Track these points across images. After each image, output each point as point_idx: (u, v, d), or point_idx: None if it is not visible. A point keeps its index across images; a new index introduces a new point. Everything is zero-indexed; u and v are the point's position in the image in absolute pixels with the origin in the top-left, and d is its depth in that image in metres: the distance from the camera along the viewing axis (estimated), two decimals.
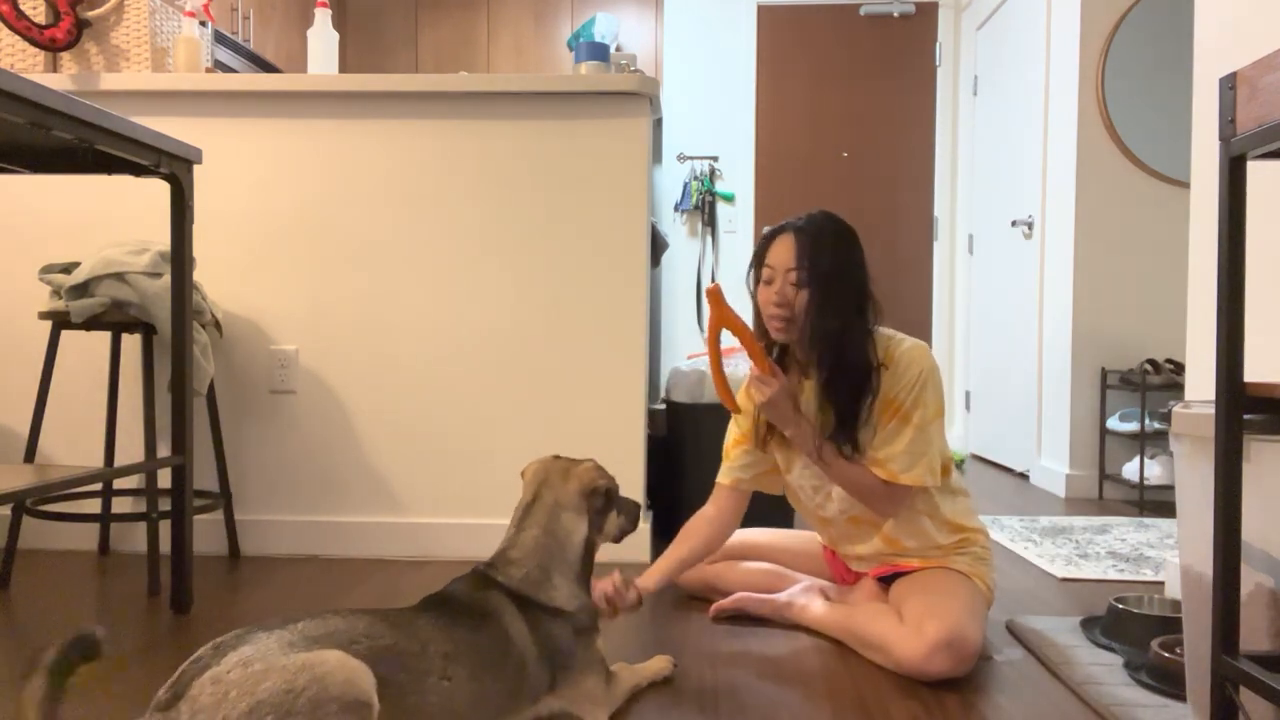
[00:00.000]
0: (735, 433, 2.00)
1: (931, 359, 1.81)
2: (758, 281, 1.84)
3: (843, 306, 1.77)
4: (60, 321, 2.24)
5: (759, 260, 1.84)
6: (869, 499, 1.82)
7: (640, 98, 2.55)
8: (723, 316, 1.79)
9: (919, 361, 1.79)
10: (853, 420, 1.79)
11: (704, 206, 5.14)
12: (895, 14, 5.14)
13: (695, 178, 5.15)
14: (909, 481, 1.77)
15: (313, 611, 1.21)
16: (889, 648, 1.70)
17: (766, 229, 1.88)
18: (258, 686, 1.04)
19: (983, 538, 1.91)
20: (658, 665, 1.66)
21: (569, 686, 1.42)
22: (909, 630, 1.68)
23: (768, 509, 2.71)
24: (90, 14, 2.62)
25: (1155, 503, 3.45)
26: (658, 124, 5.00)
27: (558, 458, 1.55)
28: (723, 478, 1.99)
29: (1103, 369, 3.71)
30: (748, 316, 1.87)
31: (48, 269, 2.27)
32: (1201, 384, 2.03)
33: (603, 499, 1.51)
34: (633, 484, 2.55)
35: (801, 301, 1.76)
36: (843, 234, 1.82)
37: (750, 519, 2.61)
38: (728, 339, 1.89)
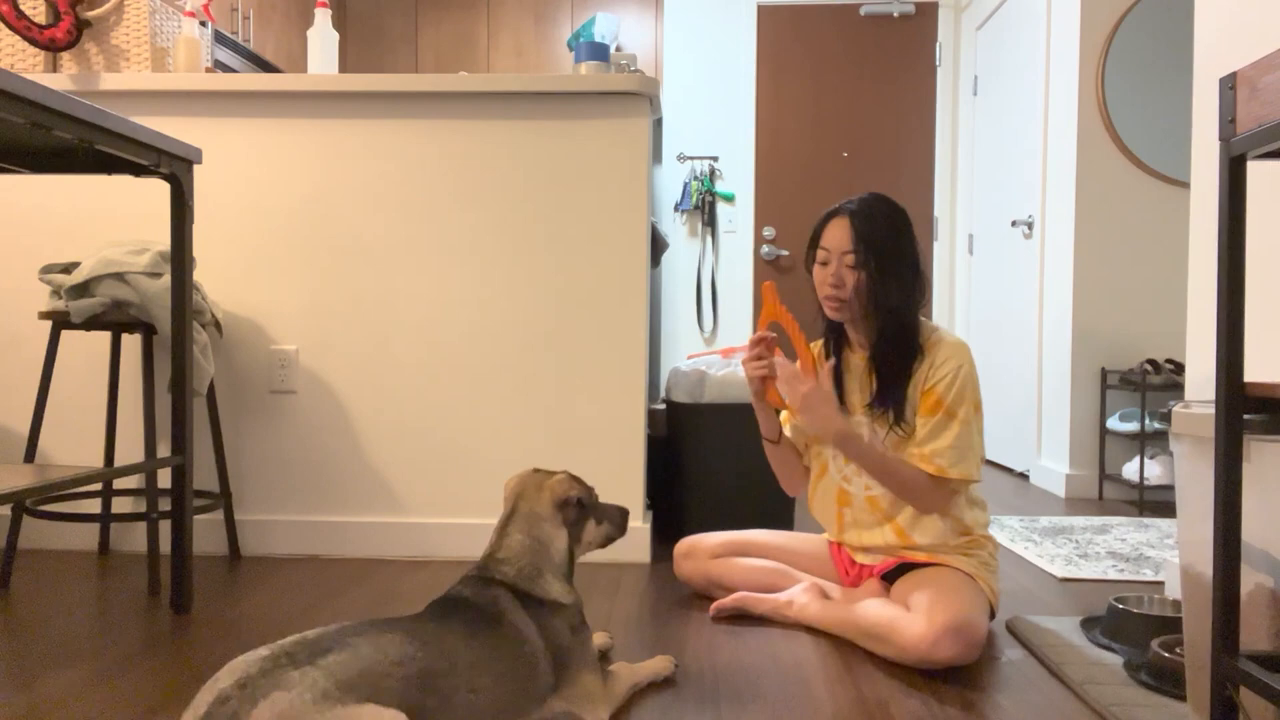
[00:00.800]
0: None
1: (970, 357, 1.87)
2: (812, 263, 1.92)
3: (899, 284, 1.85)
4: (60, 321, 2.24)
5: (814, 242, 1.92)
6: (912, 493, 1.86)
7: (640, 98, 2.55)
8: (775, 311, 1.93)
9: (958, 356, 1.85)
10: (896, 388, 1.87)
11: (704, 206, 5.14)
12: (895, 14, 5.14)
13: (695, 178, 5.15)
14: (958, 475, 1.81)
15: (341, 631, 1.18)
16: (894, 634, 1.70)
17: (823, 212, 1.96)
18: None
19: (992, 546, 1.93)
20: (658, 665, 1.66)
21: (568, 685, 1.42)
22: (916, 616, 1.69)
23: (769, 509, 2.71)
24: (90, 14, 2.62)
25: (1155, 503, 3.45)
26: (658, 124, 5.00)
27: (536, 471, 1.57)
28: (787, 432, 2.10)
29: (1103, 369, 3.71)
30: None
31: (48, 269, 2.27)
32: (1201, 384, 2.03)
33: (576, 509, 1.54)
34: (633, 484, 2.55)
35: (858, 282, 1.85)
36: (895, 215, 1.89)
37: (751, 519, 2.62)
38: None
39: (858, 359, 1.97)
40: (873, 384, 1.91)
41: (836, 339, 2.00)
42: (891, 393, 1.87)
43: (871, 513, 1.94)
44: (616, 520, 1.63)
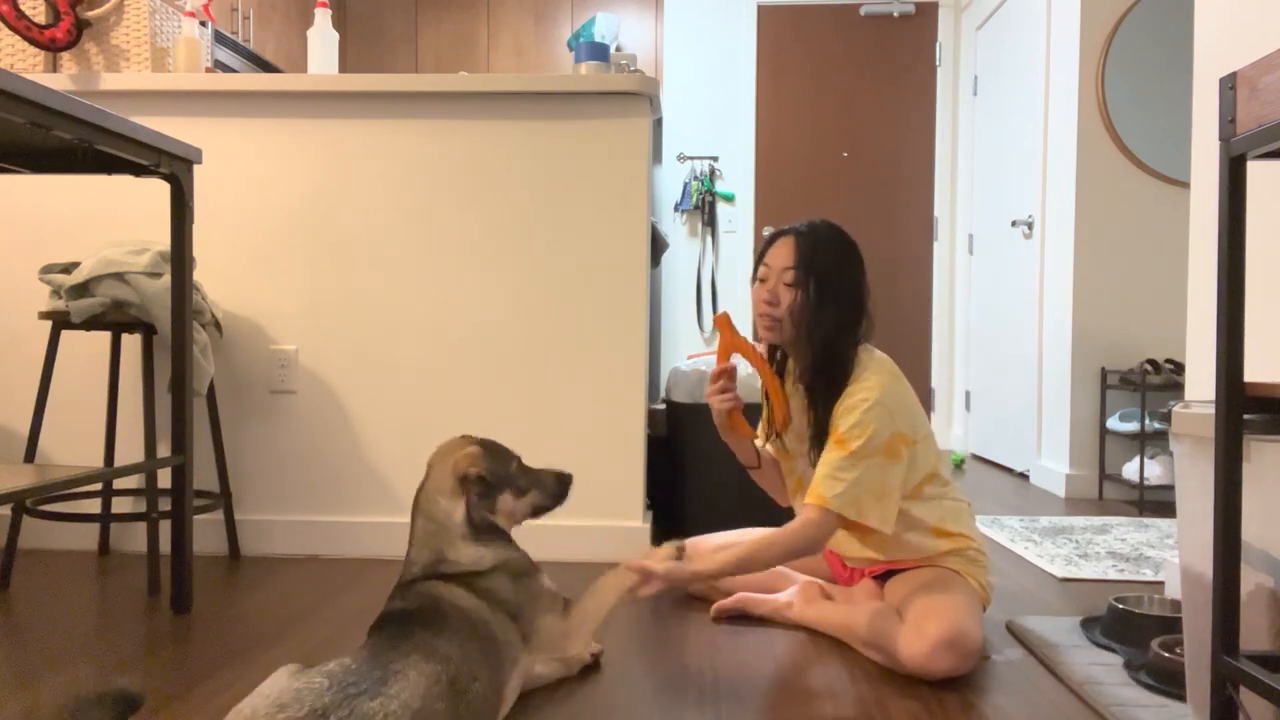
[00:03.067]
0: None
1: (893, 391, 1.76)
2: (754, 281, 1.88)
3: (833, 311, 1.78)
4: (60, 321, 2.24)
5: (758, 260, 1.89)
6: (787, 552, 1.75)
7: (640, 98, 2.55)
8: (733, 342, 1.85)
9: (868, 389, 1.74)
10: (828, 420, 1.79)
11: (704, 206, 5.14)
12: (895, 14, 5.14)
13: (695, 178, 5.15)
14: (832, 509, 1.70)
15: (375, 659, 1.20)
16: (891, 647, 1.70)
17: (768, 230, 1.91)
18: None
19: (976, 542, 1.90)
20: (614, 579, 1.62)
21: (533, 634, 1.43)
22: (910, 630, 1.68)
23: (769, 509, 2.71)
24: (90, 14, 2.62)
25: (1155, 503, 3.45)
26: (658, 124, 5.00)
27: (462, 438, 1.56)
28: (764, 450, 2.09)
29: (1103, 369, 3.71)
30: (744, 318, 1.90)
31: (48, 269, 2.27)
32: (1201, 384, 2.03)
33: (479, 484, 1.52)
34: (633, 484, 2.55)
35: (793, 302, 1.80)
36: (842, 243, 1.84)
37: (751, 519, 2.61)
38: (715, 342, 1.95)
39: (800, 390, 1.89)
40: (811, 418, 1.83)
41: (779, 367, 1.95)
42: (825, 436, 1.79)
43: (846, 535, 1.93)
44: (551, 488, 1.60)
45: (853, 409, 1.74)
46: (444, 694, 1.20)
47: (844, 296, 1.80)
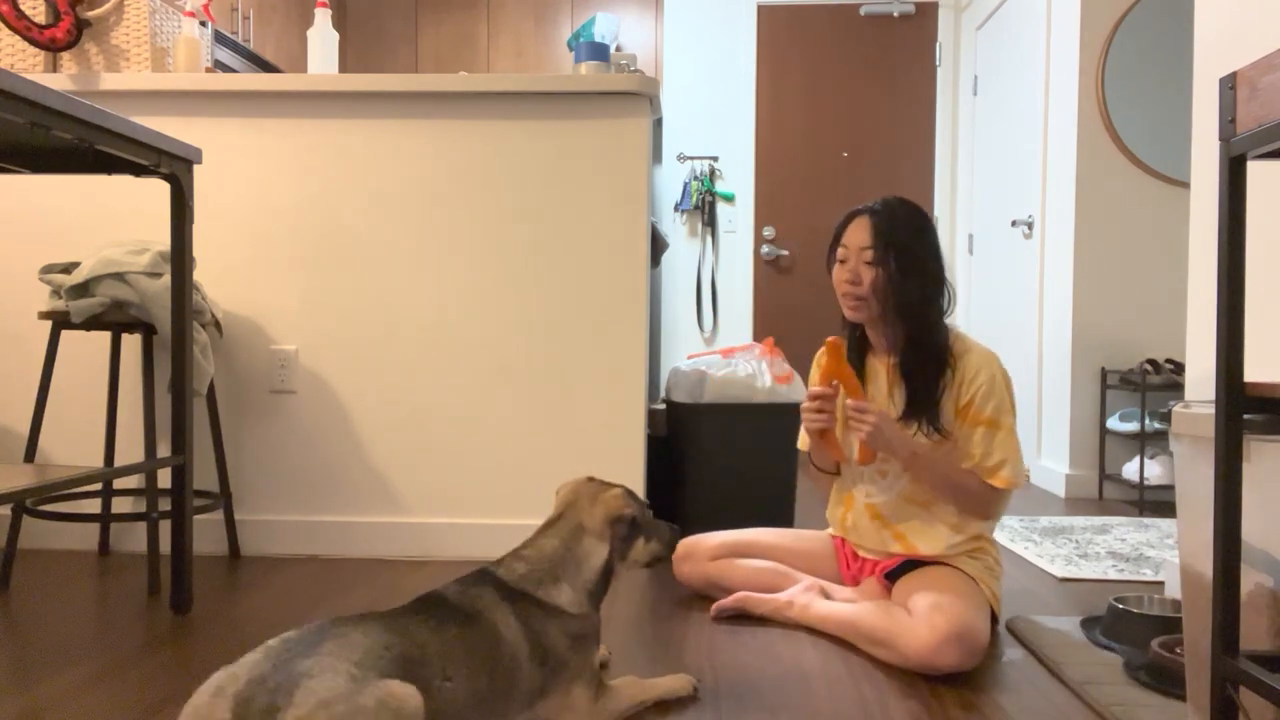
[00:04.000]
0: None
1: (1000, 364, 1.86)
2: (833, 264, 1.91)
3: (918, 283, 1.83)
4: (60, 321, 2.24)
5: (835, 242, 1.91)
6: (967, 502, 1.85)
7: (640, 98, 2.55)
8: (839, 370, 1.86)
9: (988, 365, 1.84)
10: (926, 399, 1.84)
11: (704, 206, 5.14)
12: (895, 14, 5.13)
13: (695, 178, 5.15)
14: (1020, 483, 1.83)
15: (321, 626, 1.19)
16: (896, 641, 1.70)
17: (844, 213, 1.94)
18: None
19: (995, 551, 1.94)
20: (672, 683, 1.59)
21: (556, 695, 1.38)
22: (917, 623, 1.69)
23: (769, 508, 2.71)
24: (90, 14, 2.62)
25: (1155, 503, 3.45)
26: (658, 124, 5.00)
27: (591, 480, 1.53)
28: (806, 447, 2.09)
29: (1103, 369, 3.71)
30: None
31: (48, 269, 2.27)
32: (1201, 384, 2.03)
33: (627, 527, 1.50)
34: (633, 484, 2.55)
35: (875, 279, 1.83)
36: (917, 216, 1.89)
37: (751, 518, 2.61)
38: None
39: (880, 364, 1.95)
40: (900, 394, 1.88)
41: (860, 344, 1.98)
42: (922, 405, 1.85)
43: (878, 532, 1.95)
44: (666, 538, 1.58)
45: (991, 392, 1.82)
46: (391, 660, 1.16)
47: (925, 268, 1.85)
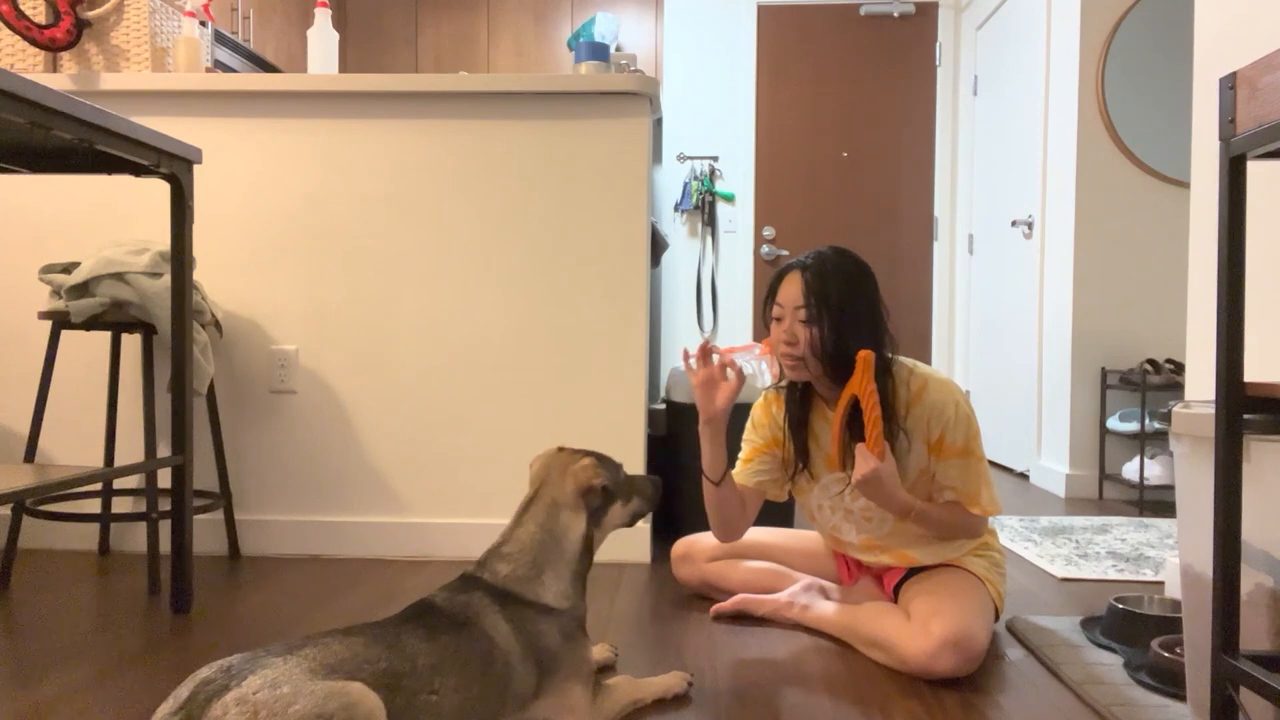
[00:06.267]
0: (751, 447, 2.01)
1: (960, 391, 1.84)
2: (769, 320, 1.85)
3: (853, 340, 1.75)
4: (60, 321, 2.24)
5: (769, 299, 1.85)
6: (955, 534, 1.86)
7: (640, 98, 2.55)
8: (863, 386, 1.73)
9: (951, 394, 1.80)
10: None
11: (704, 206, 5.14)
12: (895, 14, 5.13)
13: (695, 178, 5.15)
14: (996, 509, 1.82)
15: (309, 637, 1.19)
16: (894, 645, 1.70)
17: (777, 269, 1.89)
18: (288, 709, 1.03)
19: (999, 544, 1.94)
20: (667, 681, 1.58)
21: (552, 694, 1.37)
22: (915, 628, 1.68)
23: (768, 508, 2.71)
24: (90, 14, 2.62)
25: (1155, 503, 3.45)
26: (658, 124, 5.00)
27: (561, 450, 1.53)
28: (744, 480, 1.98)
29: (1103, 369, 3.71)
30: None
31: (48, 269, 2.27)
32: (1201, 384, 2.03)
33: (600, 496, 1.50)
34: None
35: (811, 338, 1.76)
36: (849, 269, 1.80)
37: None
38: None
39: (822, 419, 1.89)
40: (853, 450, 1.79)
41: (804, 398, 1.91)
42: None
43: (870, 554, 1.94)
44: (647, 493, 1.57)
45: (958, 420, 1.78)
46: (374, 674, 1.16)
47: (862, 322, 1.77)
